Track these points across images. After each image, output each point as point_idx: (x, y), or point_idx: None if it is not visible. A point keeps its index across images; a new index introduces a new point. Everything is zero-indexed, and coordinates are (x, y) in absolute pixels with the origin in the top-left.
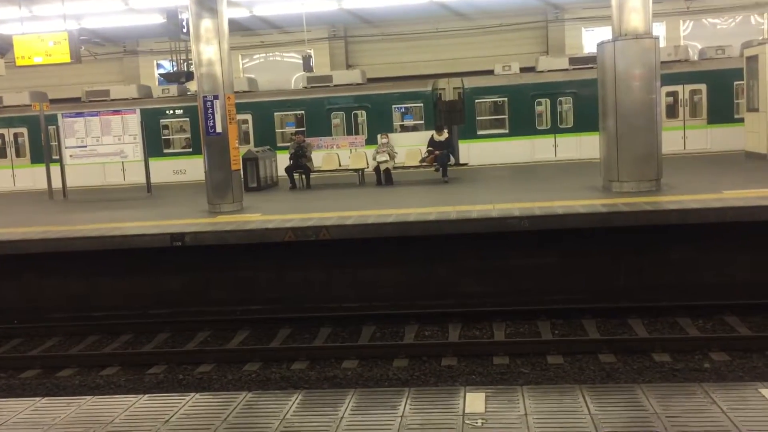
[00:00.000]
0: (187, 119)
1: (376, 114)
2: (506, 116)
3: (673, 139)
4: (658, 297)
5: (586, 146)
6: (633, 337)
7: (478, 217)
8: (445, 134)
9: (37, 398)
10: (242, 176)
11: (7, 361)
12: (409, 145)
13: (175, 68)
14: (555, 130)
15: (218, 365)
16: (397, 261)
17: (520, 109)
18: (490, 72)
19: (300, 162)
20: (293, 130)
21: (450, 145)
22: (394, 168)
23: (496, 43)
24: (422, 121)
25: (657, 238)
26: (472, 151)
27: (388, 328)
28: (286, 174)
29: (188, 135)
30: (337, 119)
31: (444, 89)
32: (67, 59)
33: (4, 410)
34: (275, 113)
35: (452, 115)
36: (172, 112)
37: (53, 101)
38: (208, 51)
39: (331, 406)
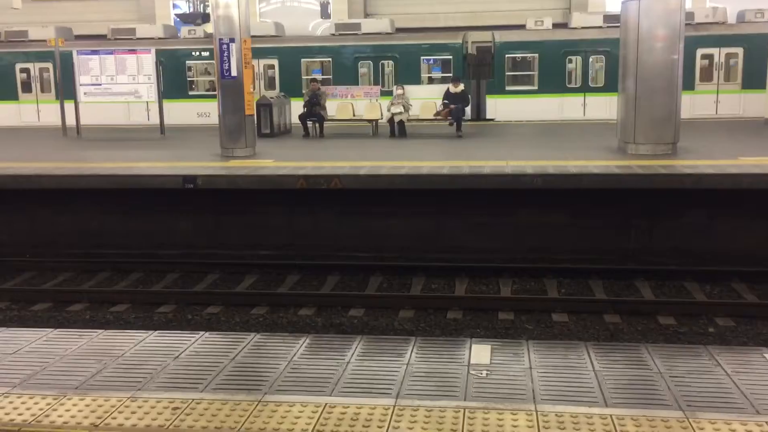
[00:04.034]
0: (213, 62)
1: (404, 65)
2: (536, 72)
3: (705, 103)
4: (666, 261)
5: (615, 107)
6: (639, 299)
7: (491, 173)
8: (461, 87)
9: (49, 329)
10: (256, 122)
11: (20, 294)
12: (428, 98)
13: (191, 9)
14: (585, 88)
15: (226, 307)
16: (408, 213)
17: (551, 65)
18: (521, 27)
19: (314, 110)
20: (320, 77)
21: (465, 99)
22: (409, 120)
23: None
24: (450, 74)
25: (670, 202)
26: (499, 107)
27: (396, 279)
28: (299, 121)
29: (213, 78)
30: (364, 68)
31: (474, 42)
32: None
33: (16, 340)
34: (302, 59)
35: (481, 69)
36: (197, 53)
37: (78, 37)
38: None
39: (337, 351)
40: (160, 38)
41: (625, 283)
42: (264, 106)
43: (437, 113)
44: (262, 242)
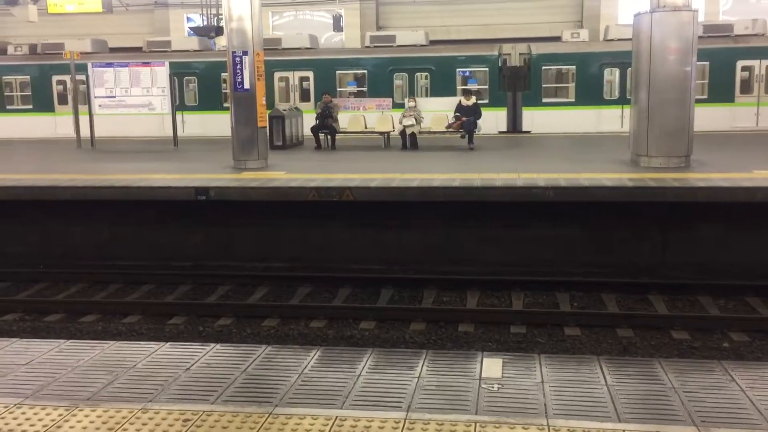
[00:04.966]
0: None
1: (439, 76)
2: (573, 84)
3: (745, 116)
4: (680, 275)
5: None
6: (652, 313)
7: (503, 185)
8: (473, 100)
9: (62, 340)
10: (268, 134)
11: (33, 305)
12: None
13: (205, 22)
14: (623, 100)
15: (238, 319)
16: (419, 226)
17: (588, 77)
18: (533, 39)
19: (326, 122)
20: (354, 89)
21: (477, 112)
22: (420, 133)
23: (530, 10)
24: (486, 86)
25: (683, 215)
26: (535, 119)
27: (407, 291)
28: (311, 133)
29: None
30: (399, 80)
31: (510, 54)
32: (99, 8)
33: (29, 350)
34: (337, 71)
35: (516, 81)
36: None
37: (114, 50)
38: (239, 6)
39: (348, 363)
40: (195, 50)
41: (638, 297)
42: (276, 118)
43: (449, 126)
44: (274, 254)
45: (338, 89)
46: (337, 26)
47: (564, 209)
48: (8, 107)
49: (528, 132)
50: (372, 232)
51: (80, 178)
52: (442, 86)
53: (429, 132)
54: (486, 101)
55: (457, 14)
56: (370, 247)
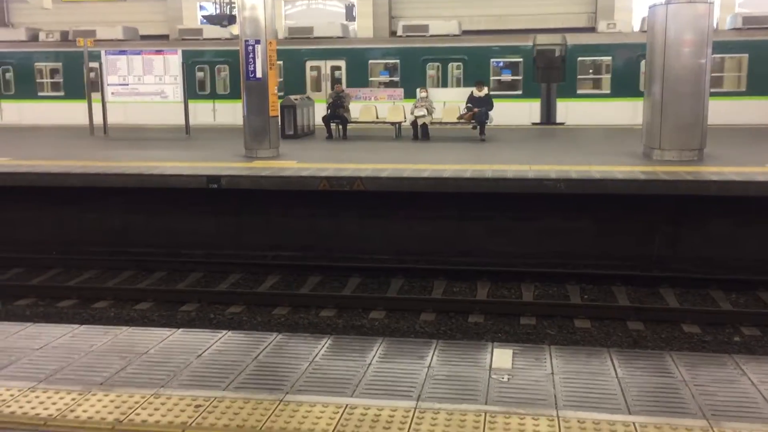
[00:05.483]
0: (281, 62)
1: (473, 67)
2: (608, 76)
3: None
4: (692, 268)
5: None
6: (663, 307)
7: (514, 177)
8: (485, 90)
9: (75, 326)
10: (280, 123)
11: (46, 290)
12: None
13: (218, 11)
14: None
15: (248, 307)
16: (430, 216)
17: (624, 69)
18: (543, 30)
19: (338, 112)
20: (386, 79)
21: (489, 103)
22: (432, 123)
23: (543, 0)
24: (520, 77)
25: (695, 209)
26: (570, 111)
27: (417, 282)
28: (323, 123)
29: (280, 78)
30: (432, 70)
31: (544, 45)
32: None
33: (43, 335)
34: (369, 61)
35: (550, 72)
36: None
37: (144, 37)
38: None
39: (359, 352)
40: (227, 39)
41: (649, 290)
42: (288, 107)
43: (460, 116)
44: (284, 243)
45: (370, 79)
46: (350, 15)
47: (575, 201)
48: (40, 94)
49: (562, 124)
50: (382, 222)
51: (93, 165)
52: (475, 76)
53: (440, 123)
54: (519, 92)
55: (470, 5)
56: (381, 237)
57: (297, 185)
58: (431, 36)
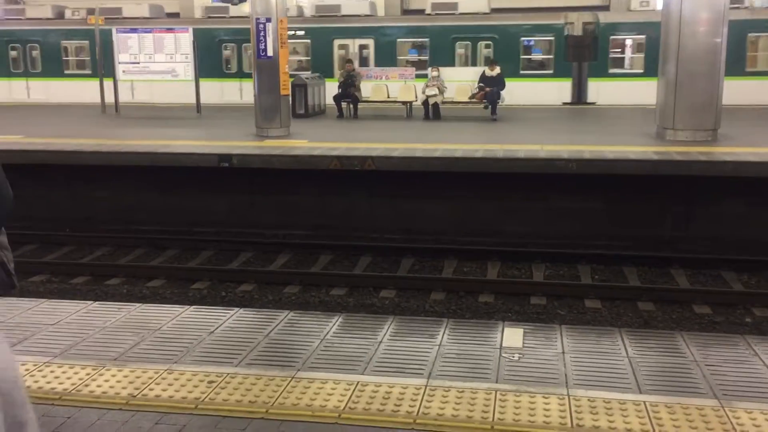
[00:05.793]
0: (308, 41)
1: (503, 46)
2: (642, 55)
3: None
4: (703, 249)
5: (729, 90)
6: (674, 287)
7: (525, 157)
8: (497, 70)
9: (89, 302)
10: (291, 102)
11: (60, 267)
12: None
13: None
14: None
15: (259, 285)
16: (441, 196)
17: (658, 47)
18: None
19: (349, 91)
20: (415, 58)
21: (501, 82)
22: (443, 103)
23: None
24: (551, 56)
25: (708, 190)
26: (601, 91)
27: (428, 261)
28: (334, 102)
29: (307, 57)
30: (461, 49)
31: (575, 23)
32: None
33: (57, 311)
34: (398, 40)
35: (581, 50)
36: (293, 32)
37: (170, 15)
38: None
39: (370, 330)
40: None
41: (661, 271)
42: (299, 86)
43: (472, 96)
44: (296, 222)
45: (398, 57)
46: None
47: (587, 182)
48: (66, 72)
49: (593, 104)
50: (393, 202)
51: (106, 143)
52: (505, 55)
53: (452, 102)
54: (551, 71)
55: None
56: (391, 216)
57: (308, 164)
58: (461, 14)
